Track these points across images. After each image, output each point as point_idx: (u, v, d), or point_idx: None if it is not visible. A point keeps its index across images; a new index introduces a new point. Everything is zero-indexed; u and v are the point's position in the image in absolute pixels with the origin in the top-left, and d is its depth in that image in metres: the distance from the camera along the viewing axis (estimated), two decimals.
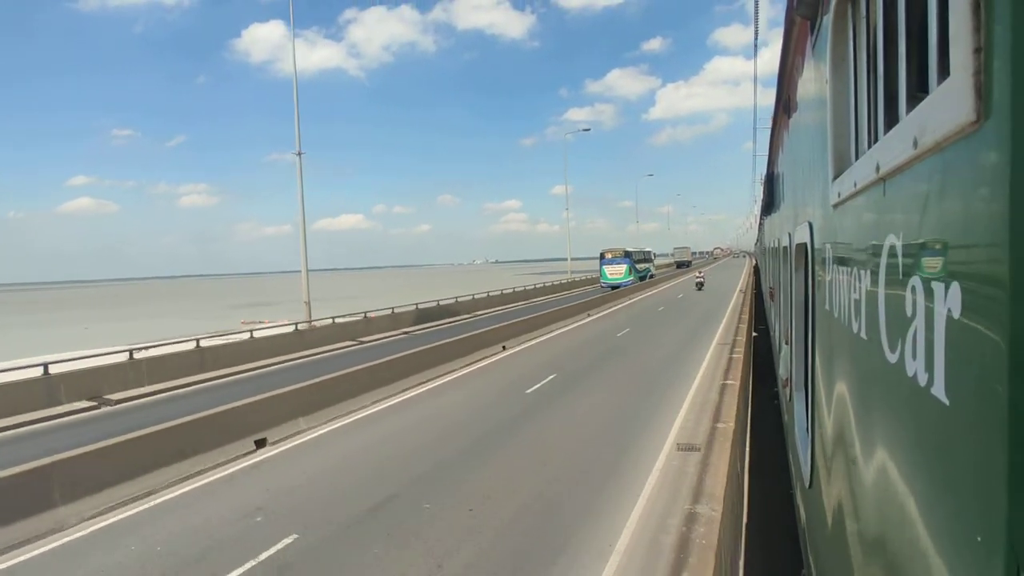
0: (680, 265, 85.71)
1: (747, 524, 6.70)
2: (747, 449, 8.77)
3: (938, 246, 0.88)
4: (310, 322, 21.75)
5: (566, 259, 58.73)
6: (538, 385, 12.74)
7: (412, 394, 12.62)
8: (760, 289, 25.12)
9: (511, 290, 37.35)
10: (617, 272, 44.34)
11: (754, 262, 48.32)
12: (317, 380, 11.05)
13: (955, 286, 0.79)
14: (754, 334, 16.48)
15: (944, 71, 0.88)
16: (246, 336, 18.37)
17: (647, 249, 55.63)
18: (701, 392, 11.42)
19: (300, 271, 23.20)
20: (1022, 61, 0.62)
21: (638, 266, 47.45)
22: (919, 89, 1.13)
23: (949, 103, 0.78)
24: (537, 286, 41.32)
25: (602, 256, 45.67)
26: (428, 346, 15.02)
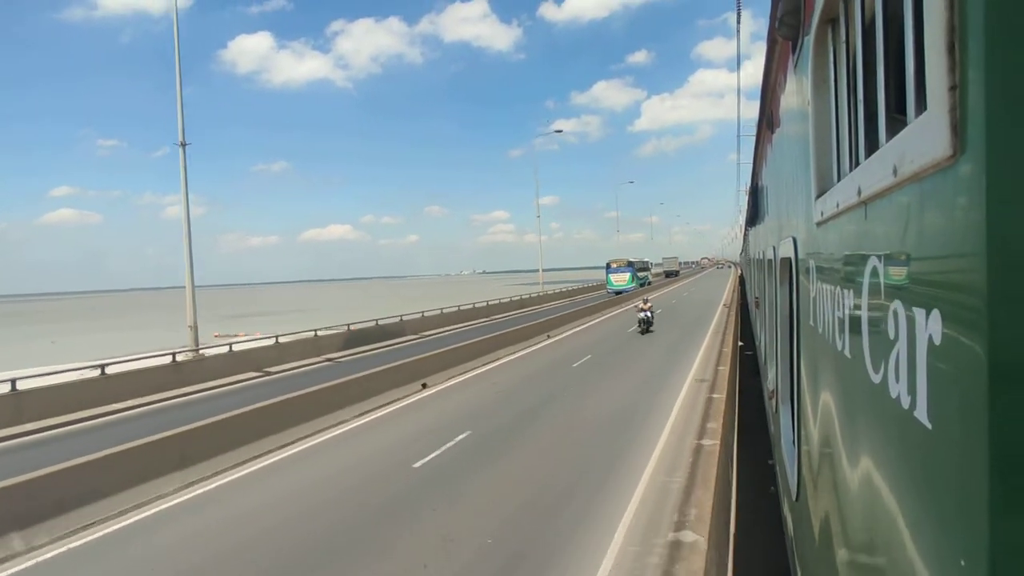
0: (668, 275, 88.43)
1: (734, 534, 6.70)
2: (735, 460, 8.76)
3: (919, 273, 0.90)
4: (196, 350, 18.18)
5: (550, 269, 60.01)
6: (439, 451, 9.35)
7: (244, 472, 8.91)
8: (745, 299, 25.36)
9: (470, 306, 33.74)
10: (621, 279, 51.68)
11: (739, 272, 49.97)
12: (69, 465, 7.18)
13: (936, 313, 0.81)
14: (740, 343, 16.49)
15: (921, 101, 0.91)
16: (95, 373, 14.12)
17: (646, 260, 66.96)
18: (663, 466, 8.22)
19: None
20: (995, 99, 0.64)
21: (639, 274, 55.00)
22: (897, 111, 1.16)
23: (926, 136, 0.80)
24: (503, 300, 39.15)
25: (608, 266, 53.45)
26: (309, 390, 11.32)
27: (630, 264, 53.63)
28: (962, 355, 0.72)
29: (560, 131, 45.47)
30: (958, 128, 0.71)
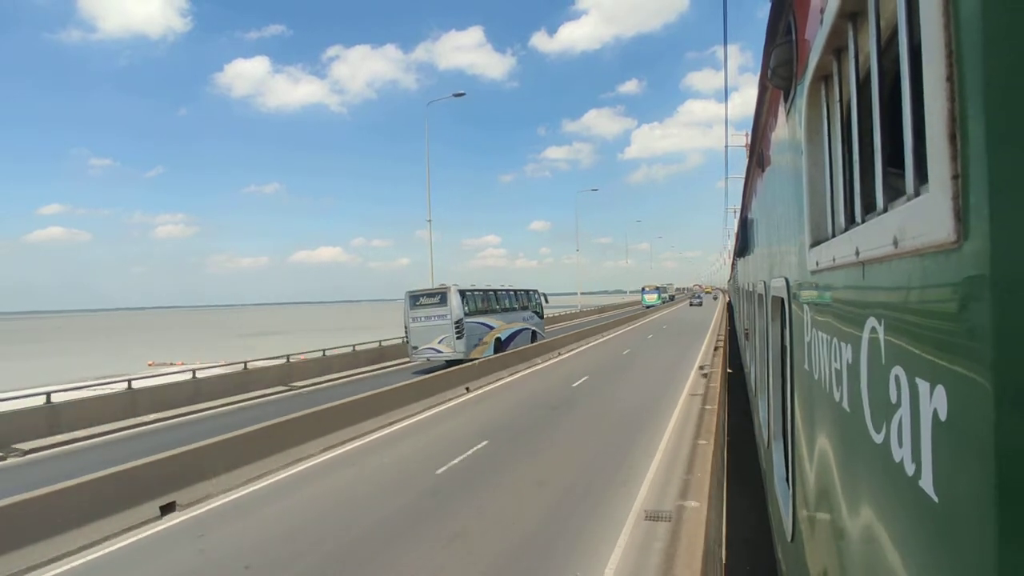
0: (664, 300, 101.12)
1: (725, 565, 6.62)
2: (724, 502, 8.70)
3: (921, 345, 0.91)
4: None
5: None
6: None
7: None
8: (732, 326, 25.41)
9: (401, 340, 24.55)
10: (652, 298, 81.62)
11: (727, 299, 51.33)
12: None
13: (940, 389, 0.82)
14: (728, 370, 16.46)
15: (920, 170, 0.93)
16: None
17: (668, 284, 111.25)
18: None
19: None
20: (998, 190, 0.67)
21: (663, 295, 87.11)
22: (891, 164, 1.19)
23: (928, 217, 0.82)
24: None
25: (643, 288, 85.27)
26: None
27: (657, 288, 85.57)
28: (969, 435, 0.73)
29: (462, 94, 31.82)
30: (961, 215, 0.73)
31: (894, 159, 1.24)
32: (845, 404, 1.47)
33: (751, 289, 7.26)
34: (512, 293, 28.67)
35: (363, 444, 11.70)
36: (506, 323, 26.75)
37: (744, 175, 8.61)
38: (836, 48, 1.55)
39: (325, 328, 75.63)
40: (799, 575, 2.58)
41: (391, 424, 13.12)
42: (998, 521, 0.66)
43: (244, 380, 18.82)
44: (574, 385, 17.48)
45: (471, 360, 21.09)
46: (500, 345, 25.49)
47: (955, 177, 0.74)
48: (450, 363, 21.47)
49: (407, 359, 23.75)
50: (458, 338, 22.37)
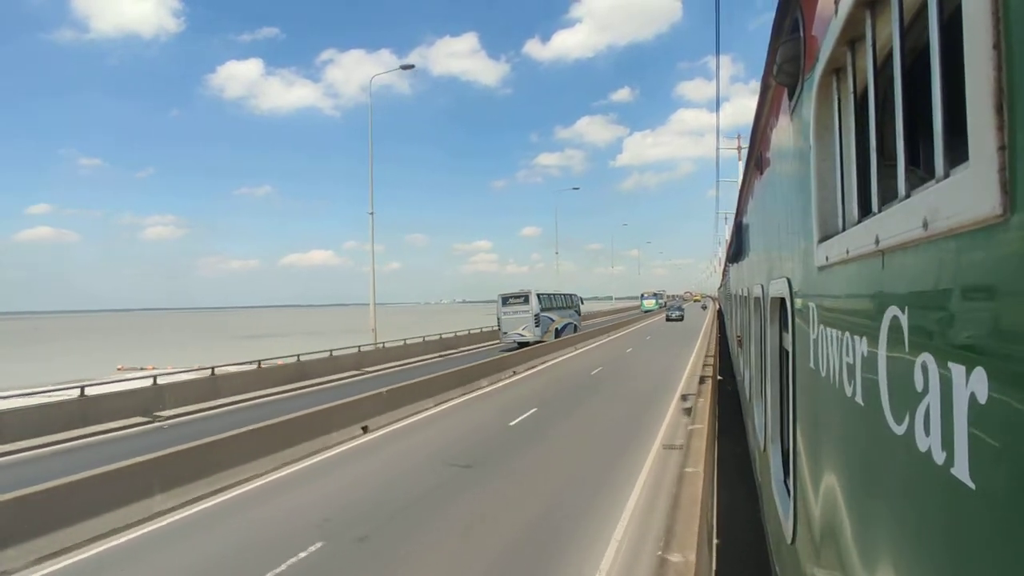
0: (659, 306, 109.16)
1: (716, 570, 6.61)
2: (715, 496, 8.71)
3: (956, 329, 0.89)
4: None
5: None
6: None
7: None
8: (723, 333, 25.65)
9: (327, 353, 24.02)
10: (650, 303, 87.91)
11: (718, 306, 51.89)
12: None
13: (979, 371, 0.79)
14: (719, 377, 16.50)
15: (952, 155, 0.91)
16: None
17: (662, 290, 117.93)
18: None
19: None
20: None
21: (659, 300, 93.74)
22: (910, 162, 1.17)
23: (968, 193, 0.80)
24: (375, 347, 27.70)
25: (642, 294, 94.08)
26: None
27: (655, 294, 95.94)
28: (1016, 416, 0.71)
29: (411, 66, 31.20)
30: (1008, 188, 0.71)
31: (915, 146, 1.22)
32: (859, 398, 1.45)
33: (746, 294, 7.27)
34: (563, 296, 39.82)
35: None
36: (560, 317, 37.31)
37: (739, 181, 8.66)
38: (851, 39, 1.55)
39: (312, 332, 75.04)
40: (798, 572, 2.55)
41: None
42: None
43: (214, 386, 17.98)
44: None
45: (540, 342, 30.61)
46: (557, 333, 35.46)
47: (1001, 148, 0.71)
48: (521, 344, 30.65)
49: (383, 365, 26.63)
50: (536, 326, 32.78)
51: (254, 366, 20.32)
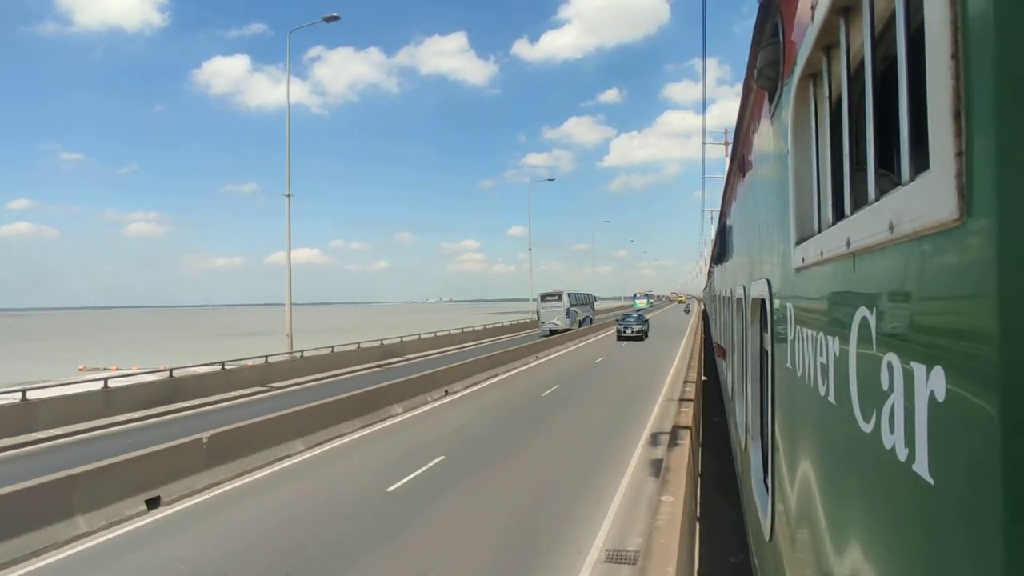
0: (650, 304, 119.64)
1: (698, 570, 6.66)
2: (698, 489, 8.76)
3: (917, 329, 0.91)
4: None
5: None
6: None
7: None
8: (708, 333, 25.83)
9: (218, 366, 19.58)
10: (642, 302, 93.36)
11: (702, 307, 52.89)
12: None
13: (938, 370, 0.82)
14: (704, 378, 16.62)
15: (917, 160, 0.94)
16: None
17: (651, 291, 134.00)
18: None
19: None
20: (1002, 166, 0.67)
21: (650, 300, 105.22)
22: (882, 165, 1.21)
23: (929, 197, 0.83)
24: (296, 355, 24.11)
25: (635, 295, 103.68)
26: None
27: (647, 294, 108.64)
28: (971, 413, 0.73)
29: (335, 17, 21.20)
30: (965, 192, 0.73)
31: (887, 151, 1.25)
32: (831, 397, 1.48)
33: (729, 295, 7.34)
34: (584, 295, 51.12)
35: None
36: (582, 311, 48.09)
37: (724, 182, 8.75)
38: (826, 45, 1.58)
39: (298, 329, 74.40)
40: (777, 572, 2.59)
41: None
42: (1004, 496, 0.66)
43: (175, 388, 16.95)
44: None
45: (568, 330, 40.66)
46: (580, 324, 45.74)
47: (959, 154, 0.74)
48: (552, 332, 39.80)
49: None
50: (567, 318, 43.35)
51: (217, 367, 18.44)
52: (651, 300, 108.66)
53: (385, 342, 28.69)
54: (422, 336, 32.35)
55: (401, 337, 30.51)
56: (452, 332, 35.63)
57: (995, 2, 0.67)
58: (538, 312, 44.56)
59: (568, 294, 44.44)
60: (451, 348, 33.50)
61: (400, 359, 28.48)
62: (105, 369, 24.85)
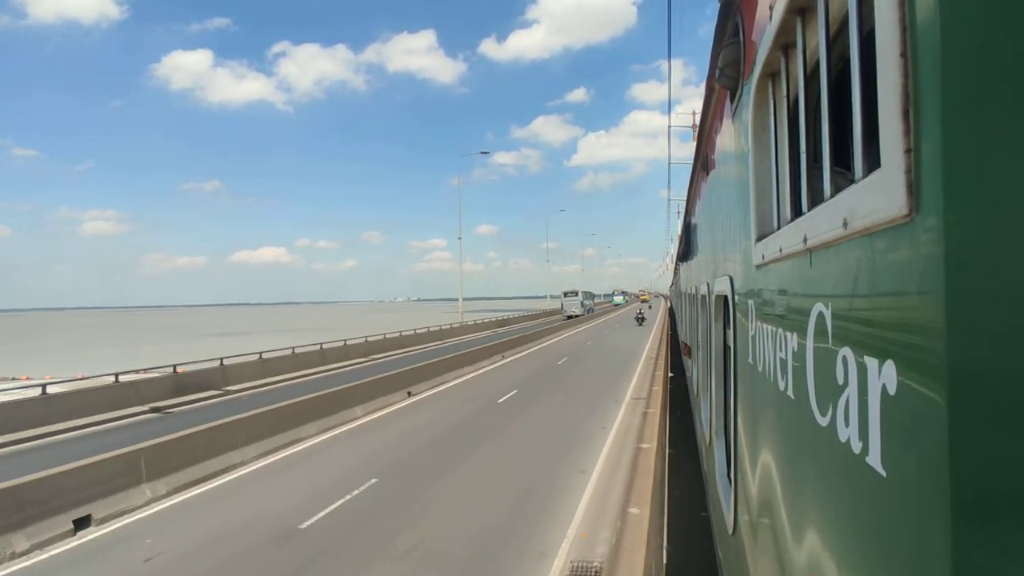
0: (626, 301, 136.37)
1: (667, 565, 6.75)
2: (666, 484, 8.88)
3: (869, 323, 0.93)
4: None
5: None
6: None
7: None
8: (674, 327, 26.38)
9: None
10: (619, 299, 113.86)
11: (669, 304, 54.34)
12: None
13: (889, 364, 0.83)
14: (670, 373, 16.85)
15: (869, 158, 0.95)
16: None
17: (625, 289, 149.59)
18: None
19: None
20: (949, 163, 0.68)
21: (626, 296, 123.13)
22: (836, 162, 1.23)
23: (880, 193, 0.84)
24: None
25: (613, 292, 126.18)
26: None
27: (623, 292, 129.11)
28: (920, 406, 0.74)
29: None
30: (914, 189, 0.74)
31: (842, 150, 1.27)
32: (790, 392, 1.50)
33: (694, 292, 7.46)
34: (586, 292, 72.72)
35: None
36: (588, 304, 70.57)
37: (688, 182, 8.88)
38: (784, 44, 1.60)
39: (252, 331, 73.36)
40: (740, 566, 2.64)
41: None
42: (951, 487, 0.67)
43: (113, 396, 16.02)
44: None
45: (579, 315, 61.76)
46: (586, 312, 65.99)
47: (908, 151, 0.75)
48: (569, 317, 59.44)
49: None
50: (582, 307, 65.64)
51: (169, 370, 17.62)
52: (626, 297, 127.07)
53: (324, 347, 27.70)
54: (387, 336, 34.01)
55: (345, 340, 29.98)
56: (404, 333, 36.02)
57: (941, 3, 0.68)
58: (562, 304, 65.54)
59: (581, 292, 67.71)
60: (415, 348, 35.17)
61: (334, 366, 27.05)
62: (13, 379, 23.10)
